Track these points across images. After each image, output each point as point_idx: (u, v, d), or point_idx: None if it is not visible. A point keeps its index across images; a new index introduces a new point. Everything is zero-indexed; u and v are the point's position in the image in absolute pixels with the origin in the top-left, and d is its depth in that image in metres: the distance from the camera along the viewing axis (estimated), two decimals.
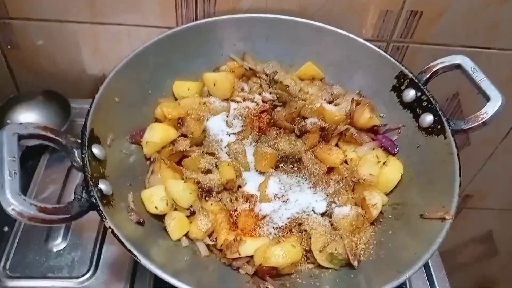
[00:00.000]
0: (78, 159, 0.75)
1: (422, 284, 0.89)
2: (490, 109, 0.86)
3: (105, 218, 0.67)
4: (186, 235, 0.81)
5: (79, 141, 0.75)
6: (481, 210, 1.74)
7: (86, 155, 0.73)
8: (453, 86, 1.26)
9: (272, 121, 0.98)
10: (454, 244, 1.92)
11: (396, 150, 0.93)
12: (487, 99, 0.87)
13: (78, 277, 0.86)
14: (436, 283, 0.89)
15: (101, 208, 0.68)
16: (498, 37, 1.15)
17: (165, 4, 1.06)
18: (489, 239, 1.90)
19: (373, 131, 0.97)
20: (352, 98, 0.96)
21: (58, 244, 0.91)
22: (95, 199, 0.69)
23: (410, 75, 0.93)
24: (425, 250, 0.70)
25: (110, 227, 0.67)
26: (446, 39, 1.15)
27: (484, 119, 0.86)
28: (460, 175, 0.79)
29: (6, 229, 0.92)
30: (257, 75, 1.04)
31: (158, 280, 0.82)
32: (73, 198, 0.70)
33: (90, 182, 0.70)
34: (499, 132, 1.43)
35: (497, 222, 1.80)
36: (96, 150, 0.77)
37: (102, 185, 0.73)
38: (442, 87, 1.19)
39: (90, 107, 0.80)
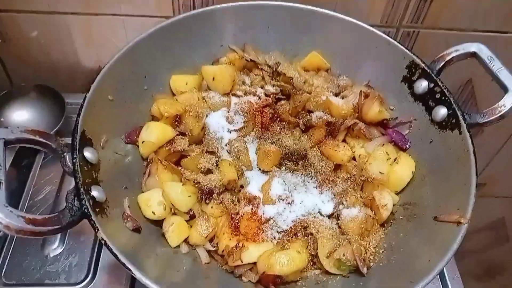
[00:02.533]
0: (69, 163, 0.70)
1: (435, 286, 0.85)
2: (508, 101, 0.80)
3: (98, 229, 0.63)
4: (185, 240, 0.77)
5: (70, 144, 0.71)
6: (494, 198, 1.70)
7: (77, 160, 0.68)
8: (466, 72, 1.20)
9: (275, 116, 0.93)
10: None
11: (407, 146, 0.88)
12: (505, 90, 0.81)
13: (76, 284, 0.83)
14: (449, 284, 0.85)
15: (93, 217, 0.64)
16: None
17: None
18: (501, 226, 1.86)
19: (382, 125, 0.91)
20: (360, 90, 0.91)
21: (55, 249, 0.88)
22: (87, 208, 0.65)
23: (422, 64, 0.87)
24: (440, 258, 0.65)
25: (102, 239, 0.63)
26: (460, 23, 1.09)
27: (502, 112, 0.80)
28: (476, 175, 0.73)
29: (0, 233, 0.89)
30: (259, 67, 0.98)
31: None
32: (64, 207, 0.66)
33: (82, 189, 0.66)
34: None
35: (509, 209, 1.76)
36: (88, 153, 0.72)
37: (94, 192, 0.69)
38: (454, 73, 1.13)
39: (81, 107, 0.75)
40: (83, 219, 0.65)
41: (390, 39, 0.91)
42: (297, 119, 0.93)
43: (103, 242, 0.63)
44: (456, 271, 0.87)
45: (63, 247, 0.88)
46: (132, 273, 0.61)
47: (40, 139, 0.70)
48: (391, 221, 0.81)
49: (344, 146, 0.88)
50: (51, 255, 0.87)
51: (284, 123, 0.93)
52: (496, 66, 0.83)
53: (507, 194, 1.69)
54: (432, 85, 0.86)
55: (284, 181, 0.83)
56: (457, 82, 1.22)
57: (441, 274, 0.87)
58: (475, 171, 0.73)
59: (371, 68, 0.95)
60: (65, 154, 0.71)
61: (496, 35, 1.10)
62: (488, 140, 1.41)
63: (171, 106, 0.85)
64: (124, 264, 0.62)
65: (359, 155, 0.88)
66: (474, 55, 0.86)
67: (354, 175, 0.85)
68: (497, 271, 2.14)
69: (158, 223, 0.78)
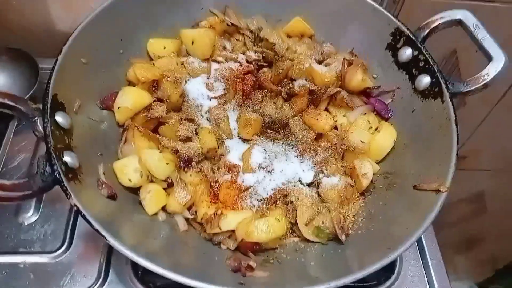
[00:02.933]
0: (40, 128, 0.67)
1: (413, 255, 0.86)
2: (492, 70, 0.79)
3: (70, 195, 0.61)
4: (163, 208, 0.76)
5: (41, 108, 0.68)
6: (475, 171, 1.72)
7: (48, 124, 0.66)
8: (452, 41, 1.18)
9: (257, 83, 0.91)
10: (445, 204, 1.91)
11: (389, 115, 0.87)
12: (489, 58, 0.79)
13: (51, 252, 0.82)
14: (427, 253, 0.86)
15: (66, 183, 0.62)
16: None
17: None
18: (480, 199, 1.89)
19: (365, 94, 0.90)
20: (344, 58, 0.88)
21: (30, 216, 0.86)
22: (59, 174, 0.62)
23: (407, 31, 0.85)
24: (418, 225, 0.65)
25: (75, 205, 0.61)
26: None
27: (486, 81, 0.79)
28: (457, 143, 0.73)
29: None
30: (241, 31, 0.95)
31: None
32: (35, 172, 0.64)
33: (53, 154, 0.63)
34: (497, 91, 1.37)
35: (489, 182, 1.79)
36: (60, 118, 0.69)
37: (67, 157, 0.66)
38: (438, 45, 1.11)
39: (53, 70, 0.71)
40: (55, 185, 0.63)
41: (376, 4, 0.89)
42: (279, 87, 0.91)
43: (75, 208, 0.61)
44: (435, 240, 0.88)
45: (38, 215, 0.86)
46: (107, 239, 0.60)
47: (10, 103, 0.67)
48: (371, 189, 0.80)
49: (326, 115, 0.87)
50: (26, 223, 0.85)
51: (266, 91, 0.91)
52: (481, 34, 0.82)
53: (487, 167, 1.71)
54: (416, 52, 0.84)
55: (264, 150, 0.82)
56: (440, 54, 1.20)
57: (420, 244, 0.88)
58: (456, 140, 0.73)
59: (356, 35, 0.93)
60: (36, 118, 0.68)
61: (483, 4, 1.08)
62: (470, 113, 1.41)
63: (148, 70, 0.82)
64: (98, 231, 0.61)
65: (341, 124, 0.87)
66: (459, 22, 0.84)
67: (335, 144, 0.84)
68: (475, 242, 2.20)
69: (135, 191, 0.76)
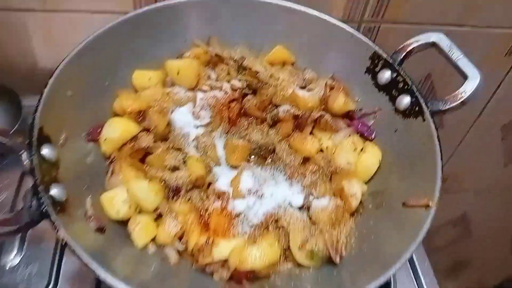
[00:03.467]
0: (26, 162, 0.66)
1: (406, 275, 0.86)
2: (468, 88, 0.82)
3: (58, 229, 0.60)
4: (153, 240, 0.74)
5: (27, 142, 0.67)
6: (456, 193, 1.75)
7: (35, 157, 0.65)
8: (426, 67, 1.23)
9: (242, 110, 0.92)
10: (430, 227, 1.93)
11: (373, 136, 0.89)
12: (465, 77, 0.83)
13: None
14: (419, 272, 0.86)
15: (53, 217, 0.61)
16: (472, 14, 1.12)
17: None
18: (464, 221, 1.91)
19: (348, 116, 0.92)
20: (326, 83, 0.91)
21: (13, 258, 0.82)
22: (46, 207, 0.61)
23: (385, 55, 0.88)
24: (410, 241, 0.66)
25: (63, 239, 0.59)
26: (419, 17, 1.12)
27: (463, 98, 0.82)
28: (441, 159, 0.75)
29: None
30: (224, 61, 0.97)
31: None
32: (21, 208, 0.62)
33: (40, 187, 0.62)
34: (472, 113, 1.42)
35: (471, 204, 1.82)
36: (46, 150, 0.68)
37: (54, 190, 0.65)
38: (414, 69, 1.16)
39: (39, 102, 0.71)
40: (42, 219, 0.61)
41: (353, 31, 0.92)
42: (264, 114, 0.92)
43: (63, 242, 0.60)
44: (426, 259, 0.88)
45: (21, 256, 0.83)
46: (97, 273, 0.58)
47: None
48: (361, 210, 0.81)
49: (312, 139, 0.88)
50: (8, 266, 0.82)
51: (251, 117, 0.92)
52: (456, 54, 0.85)
53: (468, 188, 1.74)
54: (394, 75, 0.87)
55: (253, 175, 0.82)
56: (416, 77, 1.25)
57: (412, 264, 0.88)
58: (440, 155, 0.75)
59: (336, 60, 0.96)
60: (22, 151, 0.67)
61: (455, 29, 1.14)
62: (447, 135, 1.45)
63: (134, 101, 0.82)
64: (87, 265, 0.59)
65: (327, 147, 0.88)
66: (434, 44, 0.88)
67: (322, 166, 0.85)
68: (462, 266, 2.20)
69: (124, 223, 0.74)
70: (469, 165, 1.61)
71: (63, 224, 0.61)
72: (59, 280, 0.81)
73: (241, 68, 0.96)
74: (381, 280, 0.62)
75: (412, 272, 0.87)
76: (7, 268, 0.81)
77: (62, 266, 0.82)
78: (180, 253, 0.74)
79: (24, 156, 0.67)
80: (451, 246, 2.06)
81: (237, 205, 0.77)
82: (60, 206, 0.65)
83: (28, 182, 0.92)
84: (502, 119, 1.46)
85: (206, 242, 0.71)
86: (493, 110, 1.40)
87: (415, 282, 0.85)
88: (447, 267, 2.21)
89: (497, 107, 1.39)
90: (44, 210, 0.61)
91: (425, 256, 0.89)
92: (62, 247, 0.84)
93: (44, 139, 0.69)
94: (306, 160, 0.88)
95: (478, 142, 1.50)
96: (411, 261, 0.88)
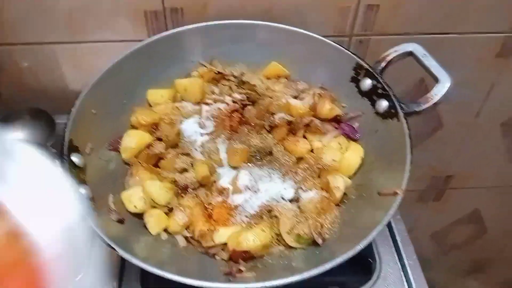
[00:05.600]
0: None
1: (391, 258, 0.96)
2: (439, 91, 0.93)
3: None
4: (165, 230, 0.88)
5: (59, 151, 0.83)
6: (466, 190, 1.79)
7: (66, 163, 0.80)
8: (418, 72, 1.32)
9: (243, 119, 1.05)
10: (445, 225, 1.98)
11: (357, 136, 1.00)
12: (436, 81, 0.93)
13: None
14: (404, 255, 0.96)
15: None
16: (458, 22, 1.21)
17: (136, 20, 1.13)
18: (478, 218, 1.95)
19: (336, 120, 1.04)
20: (313, 92, 1.03)
21: None
22: None
23: (366, 66, 0.99)
24: (382, 217, 0.77)
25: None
26: (405, 28, 1.22)
27: (435, 101, 0.92)
28: (411, 153, 0.85)
29: None
30: (226, 78, 1.11)
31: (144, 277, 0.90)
32: None
33: None
34: (471, 113, 1.49)
35: (483, 200, 1.85)
36: (75, 158, 0.84)
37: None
38: (409, 74, 1.26)
39: (68, 120, 0.87)
40: None
41: (338, 46, 1.04)
42: (262, 121, 1.05)
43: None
44: (411, 244, 0.98)
45: None
46: (122, 255, 0.72)
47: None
48: (345, 201, 0.92)
49: (304, 141, 1.00)
50: None
51: (251, 125, 1.05)
52: (429, 61, 0.96)
53: (478, 185, 1.78)
54: (375, 82, 0.98)
55: (251, 174, 0.95)
56: (411, 81, 1.34)
57: (397, 248, 0.98)
58: (409, 150, 0.85)
59: (324, 72, 1.08)
60: (55, 160, 0.83)
61: (439, 37, 1.24)
62: (449, 134, 1.53)
63: (148, 115, 0.98)
64: (114, 248, 0.73)
65: (317, 148, 1.00)
66: (411, 54, 0.99)
67: (312, 164, 0.96)
68: (482, 263, 2.21)
69: (140, 216, 0.89)
70: (475, 162, 1.66)
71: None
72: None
73: (241, 83, 1.10)
74: (356, 248, 0.72)
75: (397, 255, 0.96)
76: None
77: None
78: (187, 239, 0.88)
79: (57, 162, 0.82)
80: (468, 243, 2.08)
81: (236, 199, 0.90)
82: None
83: None
84: (500, 118, 1.52)
85: (208, 229, 0.84)
86: (490, 109, 1.47)
87: (399, 263, 0.95)
88: (469, 266, 2.22)
89: (494, 105, 1.45)
90: None
91: (409, 241, 0.98)
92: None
93: (73, 149, 0.85)
94: (299, 160, 0.99)
95: (478, 141, 1.56)
96: (396, 246, 0.98)
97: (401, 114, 0.91)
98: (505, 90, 1.40)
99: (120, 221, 0.84)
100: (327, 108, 1.00)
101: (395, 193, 0.80)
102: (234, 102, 1.08)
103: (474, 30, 1.24)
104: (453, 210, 1.90)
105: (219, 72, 1.11)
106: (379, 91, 0.97)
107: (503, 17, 1.21)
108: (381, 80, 0.97)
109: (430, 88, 1.41)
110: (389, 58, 1.01)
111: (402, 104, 0.93)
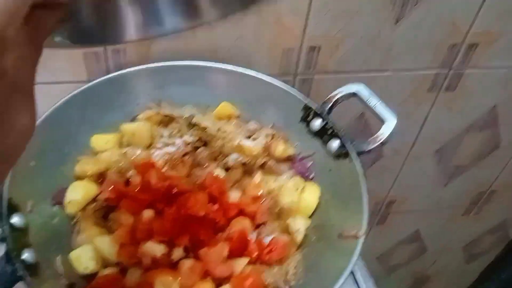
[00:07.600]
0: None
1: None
2: (386, 130, 0.96)
3: None
4: None
5: None
6: (406, 213, 1.89)
7: (7, 228, 0.72)
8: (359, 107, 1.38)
9: (195, 162, 1.02)
10: (388, 247, 2.07)
11: (311, 176, 1.01)
12: (382, 121, 0.97)
13: None
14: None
15: (27, 280, 0.68)
16: (391, 61, 1.28)
17: (73, 60, 1.07)
18: (418, 238, 2.06)
19: (290, 160, 1.04)
20: (266, 133, 1.03)
21: None
22: (20, 272, 0.68)
23: (314, 106, 1.01)
24: (345, 265, 0.77)
25: None
26: (346, 66, 1.27)
27: (382, 140, 0.95)
28: (367, 194, 0.87)
29: None
30: (175, 120, 1.08)
31: None
32: None
33: (12, 254, 0.69)
34: (407, 143, 1.58)
35: (422, 221, 1.97)
36: (16, 219, 0.76)
37: (26, 255, 0.73)
38: (349, 109, 1.30)
39: None
40: (16, 283, 0.68)
41: (286, 87, 1.05)
42: (216, 163, 1.03)
43: None
44: (368, 275, 1.00)
45: None
46: None
47: None
48: (306, 242, 0.92)
49: (259, 182, 0.99)
50: None
51: (204, 168, 1.02)
52: (373, 102, 0.99)
53: (417, 208, 1.89)
54: (324, 122, 1.00)
55: None
56: (353, 115, 1.39)
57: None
58: (365, 190, 0.87)
59: (274, 112, 1.08)
60: None
61: (377, 74, 1.30)
62: (388, 162, 1.61)
63: (93, 164, 0.91)
64: None
65: (273, 189, 0.99)
66: (355, 94, 1.02)
67: (270, 206, 0.95)
68: (423, 280, 2.33)
69: (93, 277, 0.82)
70: (414, 188, 1.77)
71: (36, 285, 0.69)
72: None
73: (191, 125, 1.07)
74: None
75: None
76: None
77: None
78: None
79: None
80: (411, 262, 2.20)
81: None
82: (32, 268, 0.72)
83: (1, 250, 0.98)
84: (434, 146, 1.62)
85: None
86: (424, 139, 1.57)
87: None
88: (411, 283, 2.33)
89: (428, 135, 1.56)
90: (17, 274, 0.68)
91: (366, 273, 1.00)
92: None
93: (13, 209, 0.77)
94: (255, 200, 0.98)
95: (415, 168, 1.66)
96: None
97: (353, 153, 0.93)
98: (437, 121, 1.51)
99: (71, 286, 0.76)
100: (280, 149, 1.00)
101: (356, 237, 0.81)
102: (185, 144, 1.05)
103: (407, 67, 1.33)
104: (396, 232, 2.00)
105: (167, 115, 1.07)
106: (329, 131, 0.99)
107: (432, 56, 1.31)
108: (329, 121, 0.99)
109: (370, 123, 1.51)
110: (334, 99, 1.03)
111: (353, 144, 0.95)
